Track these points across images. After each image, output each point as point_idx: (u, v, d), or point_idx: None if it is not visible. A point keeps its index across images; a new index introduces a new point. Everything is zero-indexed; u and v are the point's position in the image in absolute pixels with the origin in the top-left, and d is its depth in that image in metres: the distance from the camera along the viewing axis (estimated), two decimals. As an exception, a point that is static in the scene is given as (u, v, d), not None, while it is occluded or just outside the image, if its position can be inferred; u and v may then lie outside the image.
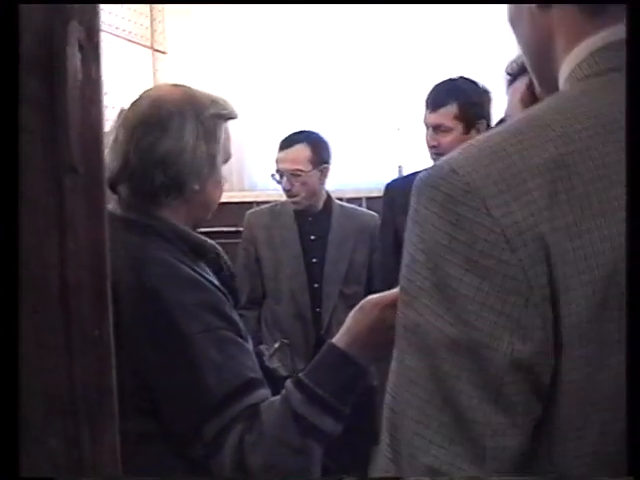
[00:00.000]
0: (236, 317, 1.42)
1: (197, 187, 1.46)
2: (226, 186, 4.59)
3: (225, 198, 4.28)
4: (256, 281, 3.13)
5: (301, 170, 2.97)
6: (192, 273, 1.40)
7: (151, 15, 4.75)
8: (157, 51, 4.81)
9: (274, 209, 3.17)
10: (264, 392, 1.35)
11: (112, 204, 1.44)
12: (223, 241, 3.78)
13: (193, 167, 1.43)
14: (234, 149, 4.76)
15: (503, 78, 1.58)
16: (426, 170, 0.75)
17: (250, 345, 1.47)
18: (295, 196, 3.01)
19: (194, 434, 1.28)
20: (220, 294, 1.42)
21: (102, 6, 3.19)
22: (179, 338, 1.31)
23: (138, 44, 4.63)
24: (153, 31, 4.77)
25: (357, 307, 1.33)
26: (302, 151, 2.99)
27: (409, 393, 0.71)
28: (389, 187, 2.89)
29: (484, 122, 2.52)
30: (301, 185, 2.99)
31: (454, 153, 0.75)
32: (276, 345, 1.83)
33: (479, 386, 0.68)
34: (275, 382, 1.45)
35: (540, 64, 0.88)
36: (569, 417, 0.71)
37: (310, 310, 3.04)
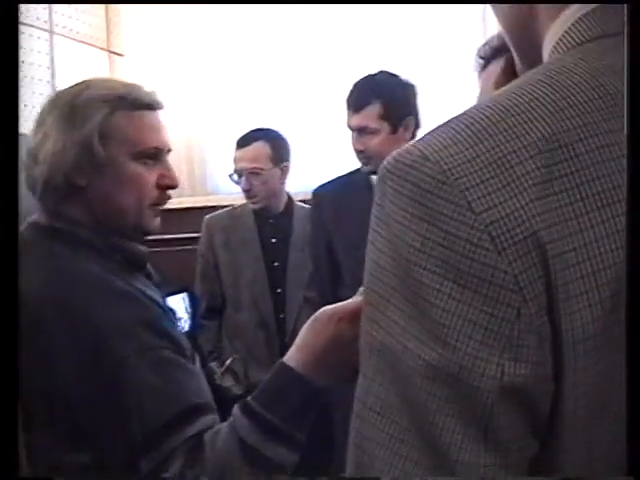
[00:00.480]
0: (178, 334, 1.30)
1: (83, 183, 1.28)
2: (189, 190, 4.62)
3: (188, 203, 4.35)
4: (215, 288, 3.01)
5: (260, 168, 2.85)
6: (125, 287, 1.26)
7: (107, 16, 4.67)
8: (113, 53, 4.73)
9: (233, 212, 3.06)
10: (210, 418, 1.21)
11: (37, 213, 1.33)
12: (186, 247, 3.80)
13: (64, 159, 1.26)
14: (195, 152, 4.72)
15: (474, 62, 1.48)
16: (391, 156, 0.62)
17: (196, 365, 1.35)
18: (255, 196, 2.89)
19: (130, 468, 1.15)
20: (159, 309, 1.29)
21: (55, 8, 3.18)
22: (110, 361, 1.16)
23: (94, 46, 4.55)
24: (109, 33, 4.70)
25: (311, 319, 1.18)
26: (261, 149, 2.88)
27: (377, 429, 0.59)
28: (316, 193, 2.68)
29: (412, 119, 2.37)
30: (261, 185, 2.87)
31: (425, 135, 0.62)
32: (228, 362, 1.73)
33: (464, 420, 0.56)
34: (228, 403, 1.30)
35: (522, 35, 0.75)
36: (573, 448, 0.60)
37: (273, 317, 2.91)
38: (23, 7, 3.88)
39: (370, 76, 2.37)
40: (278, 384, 1.17)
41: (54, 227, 1.29)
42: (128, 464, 1.16)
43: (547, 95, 0.60)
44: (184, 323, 3.22)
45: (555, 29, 0.68)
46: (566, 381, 0.57)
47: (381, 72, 2.38)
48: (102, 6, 4.63)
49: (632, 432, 0.56)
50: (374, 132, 2.30)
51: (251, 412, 1.16)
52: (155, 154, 1.35)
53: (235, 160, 2.93)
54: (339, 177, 2.64)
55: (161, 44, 4.63)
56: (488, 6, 0.82)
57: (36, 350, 1.16)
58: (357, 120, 2.32)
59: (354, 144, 2.37)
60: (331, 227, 2.45)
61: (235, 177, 2.93)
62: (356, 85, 2.36)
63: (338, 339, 1.12)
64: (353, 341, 0.67)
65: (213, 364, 1.70)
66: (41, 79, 4.05)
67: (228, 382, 1.63)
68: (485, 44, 1.44)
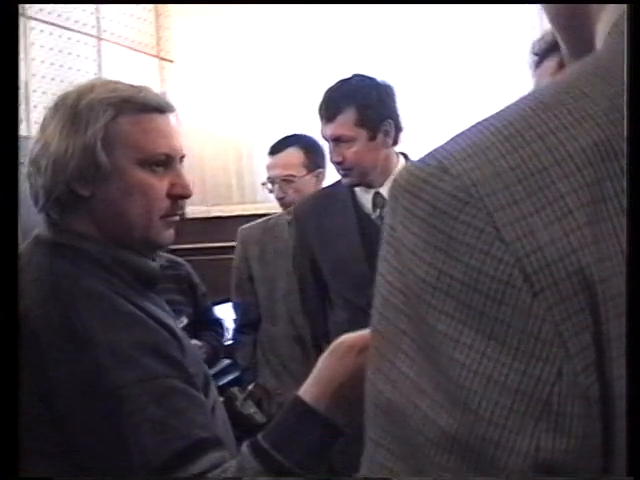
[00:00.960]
0: (189, 360, 1.17)
1: (87, 193, 1.17)
2: (225, 199, 4.54)
3: (225, 212, 4.23)
4: (250, 302, 2.86)
5: (293, 175, 2.70)
6: (130, 308, 1.14)
7: (156, 22, 4.61)
8: (163, 59, 4.66)
9: (267, 223, 2.91)
10: (218, 456, 1.08)
11: (43, 227, 1.22)
12: (223, 256, 3.67)
13: (66, 167, 1.15)
14: (245, 160, 4.65)
15: (529, 59, 1.36)
16: (406, 167, 0.51)
17: (210, 393, 1.23)
18: (289, 205, 2.70)
19: None
20: (166, 333, 1.16)
21: (103, 13, 3.09)
22: (108, 390, 1.05)
23: (143, 52, 4.48)
24: (159, 39, 4.62)
25: (329, 350, 1.09)
26: (294, 155, 2.72)
27: None
28: (297, 209, 2.48)
29: (391, 122, 2.13)
30: (294, 192, 2.69)
31: (449, 141, 0.51)
32: (250, 387, 1.57)
33: None
34: (251, 432, 1.18)
35: (572, 29, 0.62)
36: None
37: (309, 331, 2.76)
38: (69, 13, 3.83)
39: (342, 81, 2.18)
40: (291, 420, 1.08)
41: (57, 242, 1.19)
42: None
43: (598, 90, 0.48)
44: (230, 333, 3.12)
45: (608, 15, 0.56)
46: (617, 460, 0.45)
47: (355, 76, 2.19)
48: (152, 12, 4.57)
49: (632, 432, 0.45)
50: (350, 140, 2.10)
51: (260, 452, 1.06)
52: (165, 161, 1.22)
53: (268, 168, 2.81)
54: (320, 190, 2.49)
55: (212, 50, 4.54)
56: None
57: (32, 373, 1.07)
58: (331, 130, 2.11)
59: (330, 156, 2.18)
60: (314, 244, 2.26)
61: (269, 185, 2.80)
62: (327, 92, 2.16)
63: (358, 372, 0.99)
64: None
65: (235, 389, 1.54)
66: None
67: (250, 409, 1.46)
68: (540, 39, 1.34)
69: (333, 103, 2.10)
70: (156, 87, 4.60)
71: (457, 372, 0.45)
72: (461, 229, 0.45)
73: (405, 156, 2.20)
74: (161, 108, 1.23)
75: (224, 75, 4.52)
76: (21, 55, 3.55)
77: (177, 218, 1.27)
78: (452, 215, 0.46)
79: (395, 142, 2.14)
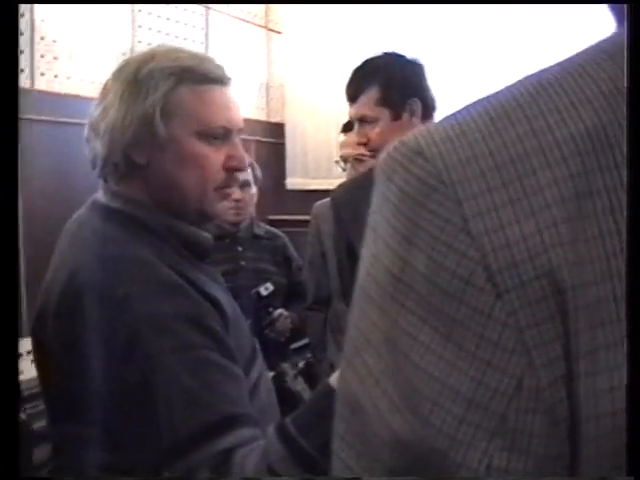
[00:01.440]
0: (227, 334, 1.14)
1: (143, 160, 1.17)
2: (325, 172, 4.50)
3: (324, 185, 4.20)
4: (322, 278, 2.79)
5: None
6: (174, 277, 1.12)
7: (267, -7, 4.60)
8: (272, 30, 4.65)
9: None
10: (246, 433, 1.05)
11: (100, 192, 1.23)
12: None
13: (123, 134, 1.15)
14: (334, 134, 4.60)
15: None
16: (389, 148, 0.47)
17: (255, 367, 1.21)
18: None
19: (154, 474, 1.04)
20: (209, 305, 1.14)
21: None
22: (142, 357, 1.04)
23: (251, 23, 4.49)
24: (267, 10, 4.62)
25: None
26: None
27: None
28: (334, 195, 2.40)
29: (417, 101, 2.02)
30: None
31: (433, 123, 0.47)
32: (301, 364, 1.51)
33: None
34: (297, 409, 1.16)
35: None
36: None
37: None
38: (178, -20, 3.86)
39: (368, 60, 2.10)
40: (319, 407, 1.04)
41: (110, 207, 1.20)
42: (153, 470, 1.05)
43: (604, 68, 0.42)
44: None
45: None
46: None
47: (384, 54, 2.12)
48: (261, -18, 4.55)
49: (632, 432, 0.39)
50: (374, 121, 2.01)
51: (286, 436, 1.04)
52: (223, 134, 1.21)
53: (340, 146, 2.80)
54: (360, 175, 2.39)
55: (319, 23, 4.49)
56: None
57: (70, 337, 1.09)
58: (354, 110, 2.04)
59: (356, 137, 2.10)
60: (350, 231, 2.19)
61: (342, 164, 2.78)
62: (353, 71, 2.10)
63: None
64: None
65: (286, 365, 1.49)
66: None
67: (299, 386, 1.41)
68: None
69: (356, 83, 2.05)
70: (263, 58, 4.61)
71: (412, 373, 0.41)
72: (427, 217, 0.41)
73: None
74: (222, 80, 1.22)
75: (330, 48, 4.46)
76: (128, 22, 3.63)
77: (233, 190, 1.27)
78: (419, 202, 0.42)
79: (424, 122, 2.01)
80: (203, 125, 1.18)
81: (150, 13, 3.75)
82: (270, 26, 4.65)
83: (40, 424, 2.10)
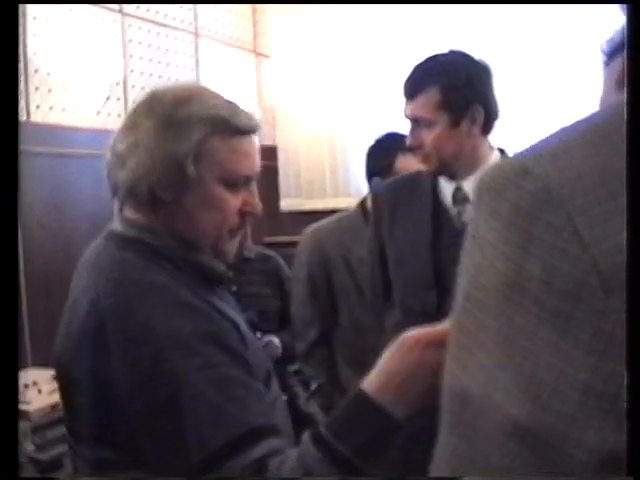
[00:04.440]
0: (246, 352, 1.18)
1: (168, 198, 1.21)
2: (319, 193, 4.52)
3: (319, 205, 4.22)
4: (327, 312, 2.56)
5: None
6: (193, 299, 1.17)
7: (254, 18, 4.65)
8: (260, 55, 4.70)
9: (343, 221, 2.64)
10: (275, 443, 1.09)
11: (115, 221, 1.27)
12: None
13: (152, 172, 1.19)
14: (339, 155, 4.63)
15: (599, 59, 1.23)
16: (494, 165, 0.54)
17: (271, 387, 1.24)
18: None
19: None
20: (229, 324, 1.19)
21: (200, 9, 3.18)
22: (168, 376, 1.07)
23: (240, 48, 4.54)
24: (256, 35, 4.67)
25: (395, 343, 1.07)
26: None
27: None
28: (375, 194, 2.23)
29: (480, 109, 1.83)
30: None
31: (534, 144, 0.53)
32: (313, 386, 1.51)
33: None
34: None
35: None
36: None
37: None
38: (166, 9, 3.91)
39: (432, 57, 1.90)
40: (353, 412, 1.08)
41: (126, 235, 1.24)
42: None
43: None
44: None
45: None
46: None
47: (450, 52, 1.91)
48: (249, 7, 4.61)
49: (632, 432, 0.47)
50: (430, 124, 1.84)
51: (321, 441, 1.06)
52: (244, 181, 1.27)
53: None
54: (403, 176, 2.17)
55: (307, 45, 4.55)
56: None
57: (94, 361, 1.12)
58: (410, 109, 1.87)
59: (408, 139, 1.91)
60: (385, 232, 2.01)
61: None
62: (415, 67, 1.91)
63: (423, 366, 1.03)
64: (439, 369, 0.60)
65: (298, 388, 1.49)
66: (186, 81, 4.07)
67: (312, 408, 1.42)
68: (608, 39, 1.18)
69: (416, 80, 1.88)
70: (252, 82, 4.65)
71: (531, 364, 0.47)
72: (541, 227, 0.48)
73: (502, 151, 1.92)
74: (250, 130, 1.27)
75: (319, 70, 4.51)
76: (119, 52, 3.67)
77: (243, 231, 1.31)
78: (533, 214, 0.48)
79: (486, 132, 1.87)
80: (229, 173, 1.23)
81: (140, 42, 3.79)
82: (258, 50, 4.70)
83: (48, 454, 2.10)
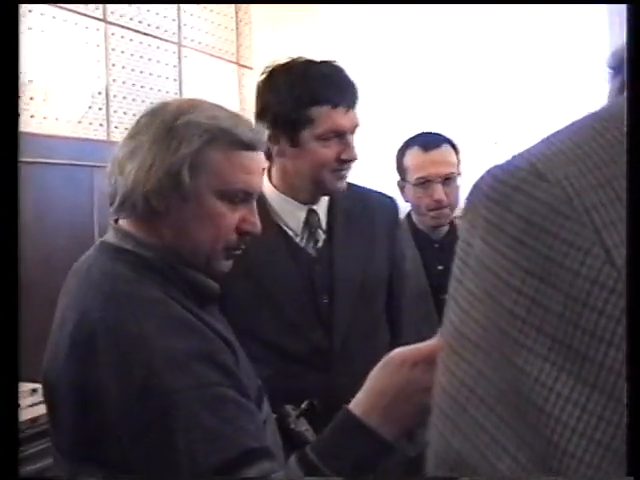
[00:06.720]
0: (241, 372, 1.16)
1: (161, 208, 1.17)
2: None
3: None
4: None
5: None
6: (187, 316, 1.13)
7: (237, 30, 4.64)
8: (243, 66, 4.68)
9: None
10: (267, 466, 1.06)
11: (109, 233, 1.24)
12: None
13: (148, 179, 1.16)
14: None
15: (606, 74, 1.24)
16: (489, 171, 0.42)
17: (263, 407, 1.21)
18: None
19: None
20: (222, 343, 1.16)
21: (184, 20, 3.15)
22: (160, 395, 1.04)
23: (223, 59, 4.53)
24: (239, 46, 4.66)
25: (381, 362, 1.07)
26: None
27: None
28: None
29: None
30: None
31: (538, 143, 0.42)
32: (304, 404, 1.50)
33: None
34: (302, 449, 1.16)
35: None
36: None
37: None
38: (150, 20, 3.89)
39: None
40: (340, 433, 1.08)
41: (120, 247, 1.21)
42: None
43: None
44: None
45: None
46: None
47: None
48: (232, 19, 4.60)
49: (632, 432, 0.38)
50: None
51: (307, 463, 1.05)
52: (242, 197, 1.23)
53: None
54: None
55: (290, 57, 4.53)
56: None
57: (84, 376, 1.09)
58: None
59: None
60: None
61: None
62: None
63: (410, 386, 1.02)
64: (427, 389, 0.56)
65: (289, 407, 1.46)
66: (168, 91, 4.05)
67: (303, 427, 1.40)
68: (613, 53, 1.19)
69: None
70: (235, 93, 4.63)
71: (550, 428, 0.36)
72: (562, 249, 0.36)
73: None
74: (254, 146, 1.23)
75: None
76: (102, 61, 3.63)
77: (239, 252, 1.27)
78: (550, 232, 0.37)
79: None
80: (226, 186, 1.19)
81: (123, 52, 3.76)
82: (241, 62, 4.69)
83: (33, 467, 2.07)
